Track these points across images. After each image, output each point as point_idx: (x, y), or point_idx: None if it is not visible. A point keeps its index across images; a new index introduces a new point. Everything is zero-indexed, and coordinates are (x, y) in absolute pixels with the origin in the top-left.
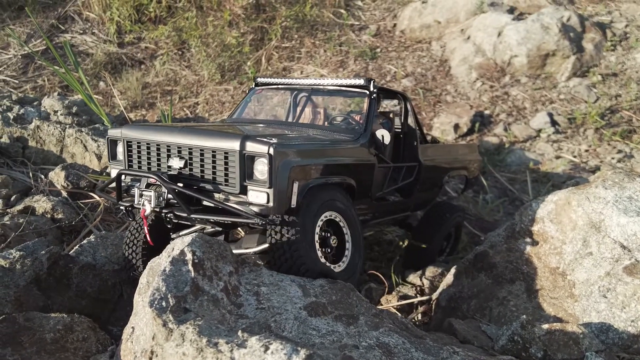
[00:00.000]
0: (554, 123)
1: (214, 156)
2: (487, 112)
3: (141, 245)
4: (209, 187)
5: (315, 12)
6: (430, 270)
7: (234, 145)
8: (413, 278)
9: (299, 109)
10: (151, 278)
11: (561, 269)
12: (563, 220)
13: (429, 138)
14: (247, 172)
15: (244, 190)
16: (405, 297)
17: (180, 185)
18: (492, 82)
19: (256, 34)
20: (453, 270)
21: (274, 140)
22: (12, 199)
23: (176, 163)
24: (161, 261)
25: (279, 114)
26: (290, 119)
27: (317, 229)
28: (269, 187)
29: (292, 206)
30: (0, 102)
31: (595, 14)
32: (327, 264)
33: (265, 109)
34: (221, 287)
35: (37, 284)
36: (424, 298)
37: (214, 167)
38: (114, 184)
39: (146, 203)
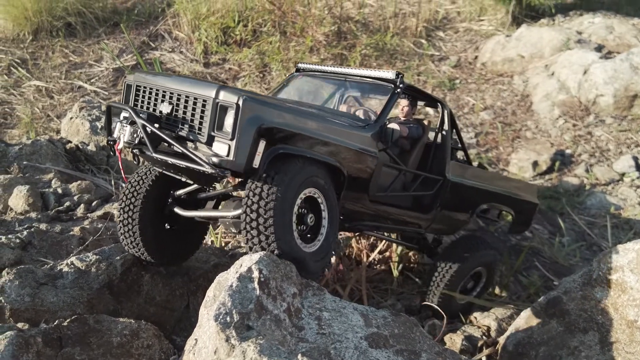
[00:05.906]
0: (639, 167)
1: (194, 103)
2: (568, 151)
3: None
4: (185, 134)
5: (395, 41)
6: (499, 312)
7: (210, 92)
8: (481, 318)
9: (336, 102)
10: (218, 292)
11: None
12: None
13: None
14: (217, 123)
15: (210, 140)
16: (470, 337)
17: (156, 125)
18: (576, 120)
19: (335, 60)
20: (523, 314)
21: (248, 95)
22: (93, 204)
23: (165, 108)
24: (229, 276)
25: (315, 102)
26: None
27: (296, 208)
28: (231, 139)
29: (254, 166)
30: (90, 111)
31: None
32: (301, 244)
33: (304, 96)
34: (284, 308)
35: (109, 288)
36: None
37: (192, 115)
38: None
39: (121, 137)
